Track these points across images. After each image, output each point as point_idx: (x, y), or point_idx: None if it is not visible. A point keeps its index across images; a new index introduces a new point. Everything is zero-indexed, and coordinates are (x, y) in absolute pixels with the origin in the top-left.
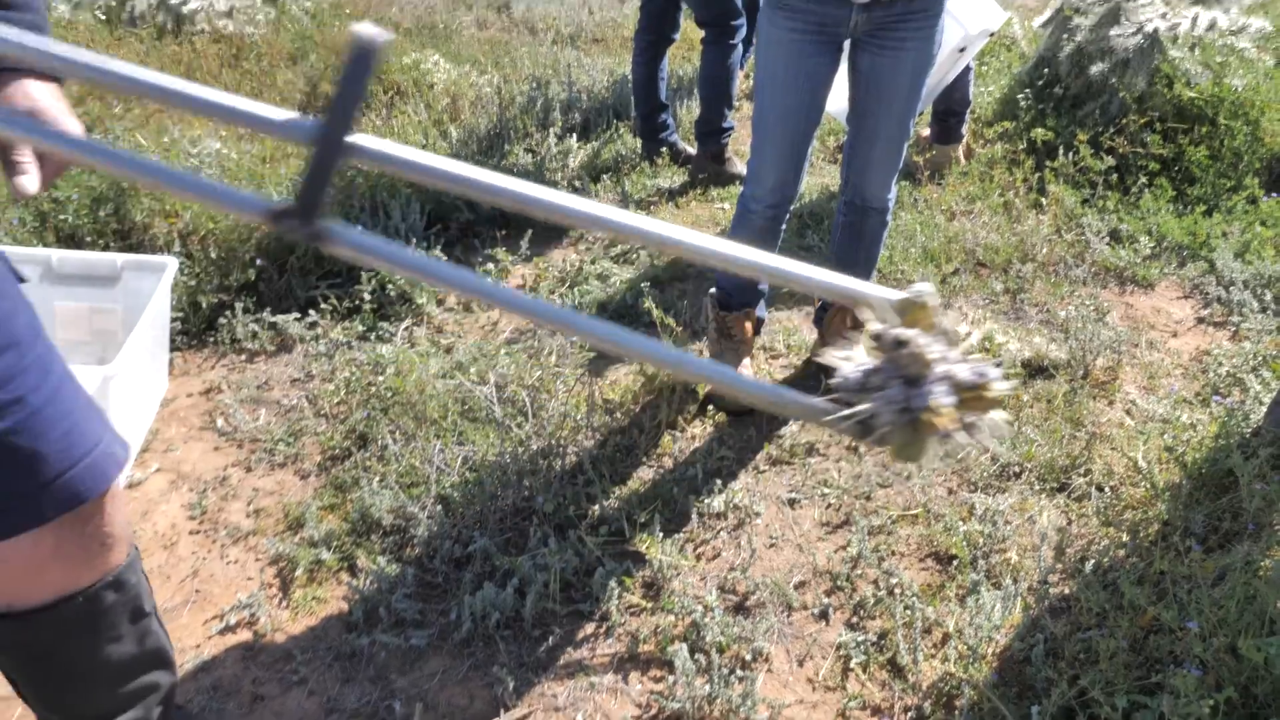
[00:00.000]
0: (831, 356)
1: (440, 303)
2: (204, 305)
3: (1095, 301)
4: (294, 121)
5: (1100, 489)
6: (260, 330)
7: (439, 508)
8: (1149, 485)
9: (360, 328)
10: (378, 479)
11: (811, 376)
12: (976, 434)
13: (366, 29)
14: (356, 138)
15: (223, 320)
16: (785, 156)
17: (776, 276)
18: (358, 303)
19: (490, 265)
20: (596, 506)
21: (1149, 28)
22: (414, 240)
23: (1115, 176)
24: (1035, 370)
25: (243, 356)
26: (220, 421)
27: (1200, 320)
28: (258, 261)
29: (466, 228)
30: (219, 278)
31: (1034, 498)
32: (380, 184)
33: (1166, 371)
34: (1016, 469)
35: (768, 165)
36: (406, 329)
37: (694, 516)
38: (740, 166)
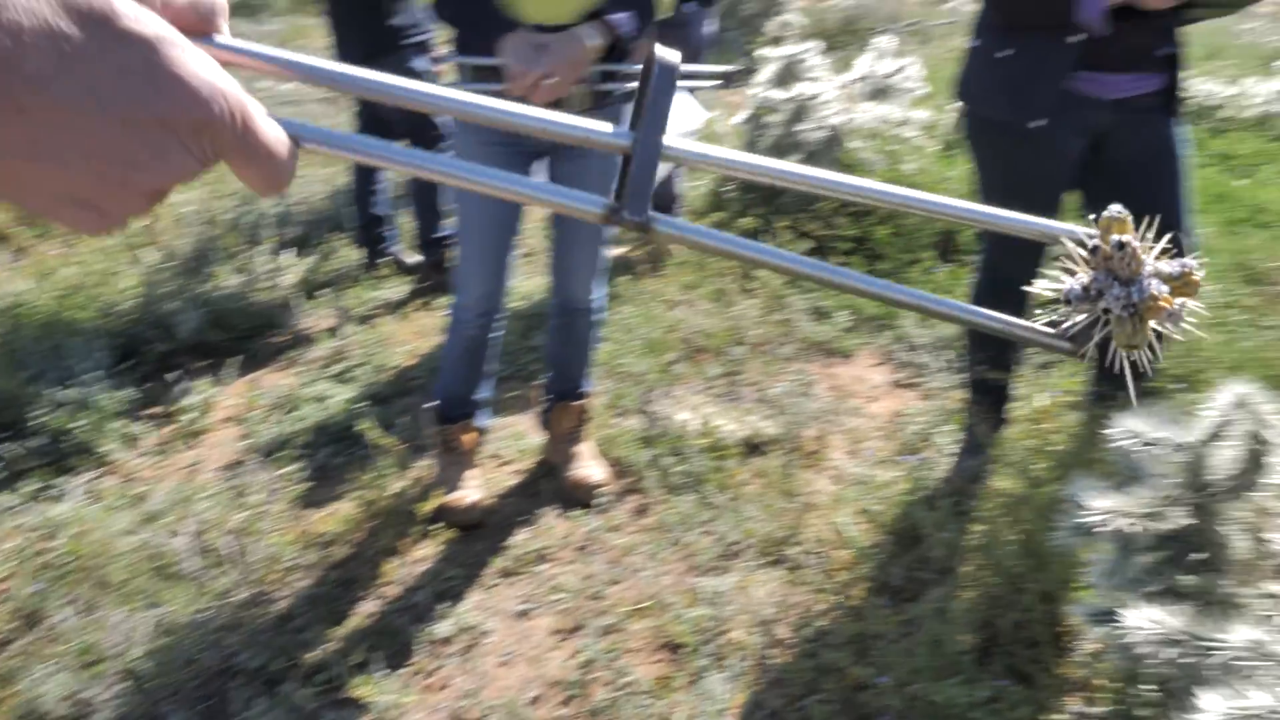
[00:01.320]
0: (1043, 285)
1: (132, 443)
2: None
3: (803, 376)
4: (616, 132)
5: (813, 557)
6: None
7: (125, 685)
8: (853, 547)
9: (34, 486)
10: (49, 663)
11: (543, 477)
12: (1182, 320)
13: (664, 50)
14: (668, 140)
15: None
16: (488, 266)
17: (980, 221)
18: (29, 458)
19: (192, 399)
20: (314, 652)
21: (830, 122)
22: (100, 381)
23: (814, 257)
24: (752, 448)
25: None
26: None
27: (895, 384)
28: None
29: (164, 359)
30: None
31: (754, 573)
32: (56, 324)
33: (868, 435)
34: (738, 547)
35: (472, 276)
36: (90, 482)
37: (421, 646)
38: None
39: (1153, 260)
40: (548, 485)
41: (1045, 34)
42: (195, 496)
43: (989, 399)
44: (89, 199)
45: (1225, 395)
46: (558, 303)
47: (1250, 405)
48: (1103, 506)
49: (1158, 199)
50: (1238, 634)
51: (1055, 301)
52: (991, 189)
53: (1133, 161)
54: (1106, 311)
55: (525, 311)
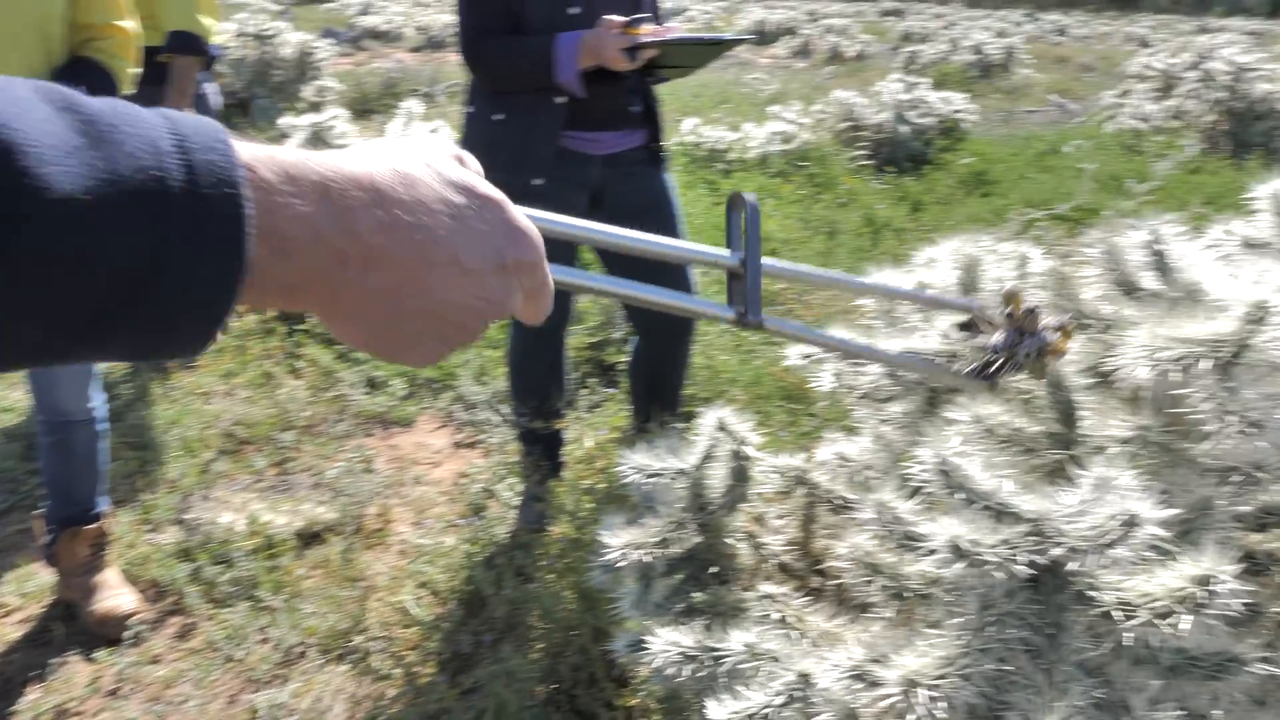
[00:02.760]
0: (971, 343)
1: None
2: None
3: (362, 452)
4: (731, 255)
5: (379, 642)
6: None
7: None
8: (418, 624)
9: None
10: None
11: (59, 620)
12: (1064, 354)
13: (749, 195)
14: (767, 260)
15: None
16: None
17: (920, 302)
18: None
19: None
20: None
21: None
22: None
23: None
24: (309, 539)
25: None
26: None
27: (457, 445)
28: None
29: None
30: None
31: (318, 674)
32: None
33: (432, 503)
34: (299, 649)
35: None
36: None
37: None
38: None
39: (1045, 318)
40: (66, 628)
41: (532, 97)
42: None
43: (540, 448)
44: (445, 334)
45: (708, 420)
46: (46, 419)
47: (729, 427)
48: (620, 542)
49: None
50: (736, 638)
51: (973, 353)
52: None
53: (629, 211)
54: (1027, 356)
55: (24, 429)
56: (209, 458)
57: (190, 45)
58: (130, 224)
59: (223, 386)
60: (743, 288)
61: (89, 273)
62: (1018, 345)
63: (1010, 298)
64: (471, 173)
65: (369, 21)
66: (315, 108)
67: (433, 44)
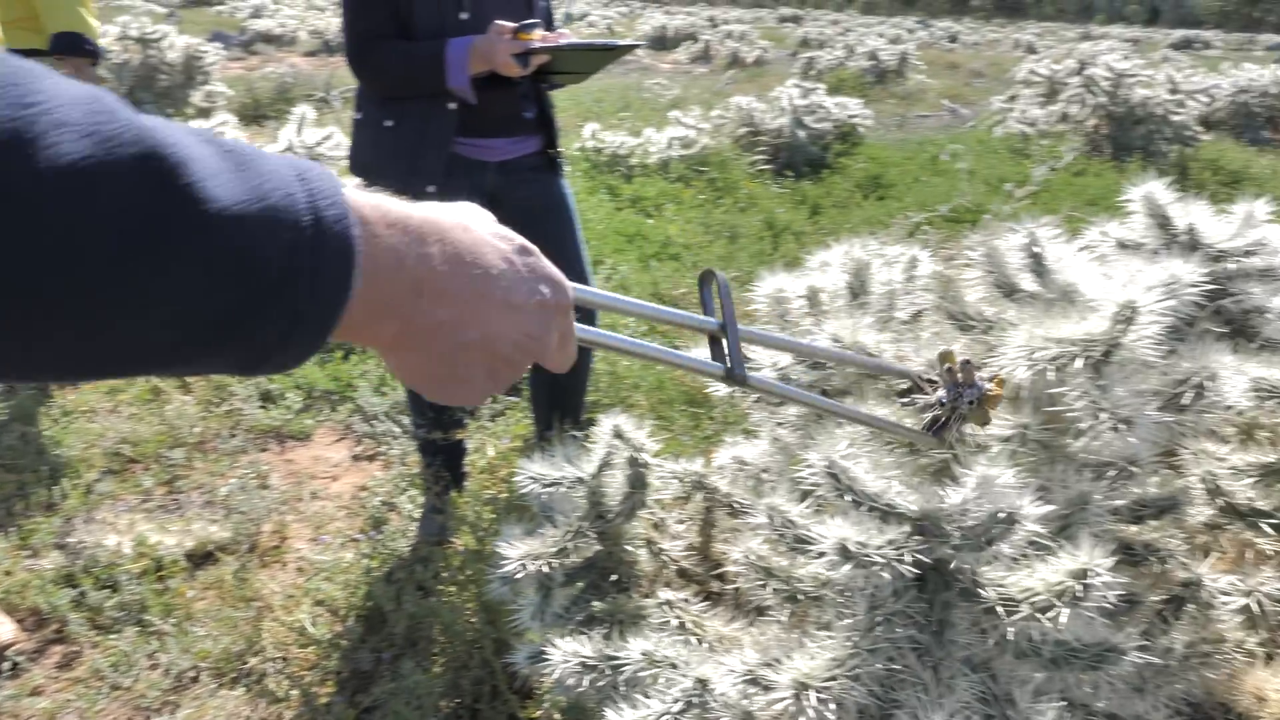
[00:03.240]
0: (917, 399)
1: None
2: None
3: (256, 468)
4: (709, 320)
5: (275, 664)
6: None
7: None
8: (316, 643)
9: None
10: None
11: None
12: (1000, 402)
13: (719, 273)
14: (742, 327)
15: None
16: None
17: (865, 366)
18: None
19: None
20: None
21: None
22: None
23: None
24: (201, 559)
25: None
26: None
27: (356, 458)
28: None
29: None
30: None
31: (211, 699)
32: None
33: (331, 518)
34: (191, 674)
35: None
36: None
37: None
38: None
39: (977, 371)
40: None
41: (423, 103)
42: None
43: (440, 459)
44: (494, 369)
45: (604, 428)
46: None
47: (625, 434)
48: (518, 553)
49: (556, 250)
50: (635, 646)
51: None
52: None
53: (525, 218)
54: (970, 404)
55: None
56: (93, 478)
57: (77, 46)
58: (272, 238)
59: (107, 403)
60: (722, 350)
61: (236, 279)
62: (959, 398)
63: (946, 356)
64: (507, 229)
65: (261, 25)
66: (204, 114)
67: (327, 48)
